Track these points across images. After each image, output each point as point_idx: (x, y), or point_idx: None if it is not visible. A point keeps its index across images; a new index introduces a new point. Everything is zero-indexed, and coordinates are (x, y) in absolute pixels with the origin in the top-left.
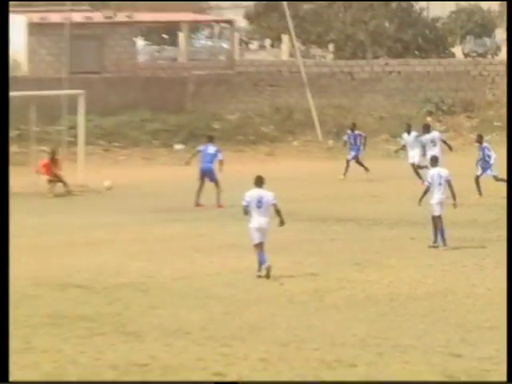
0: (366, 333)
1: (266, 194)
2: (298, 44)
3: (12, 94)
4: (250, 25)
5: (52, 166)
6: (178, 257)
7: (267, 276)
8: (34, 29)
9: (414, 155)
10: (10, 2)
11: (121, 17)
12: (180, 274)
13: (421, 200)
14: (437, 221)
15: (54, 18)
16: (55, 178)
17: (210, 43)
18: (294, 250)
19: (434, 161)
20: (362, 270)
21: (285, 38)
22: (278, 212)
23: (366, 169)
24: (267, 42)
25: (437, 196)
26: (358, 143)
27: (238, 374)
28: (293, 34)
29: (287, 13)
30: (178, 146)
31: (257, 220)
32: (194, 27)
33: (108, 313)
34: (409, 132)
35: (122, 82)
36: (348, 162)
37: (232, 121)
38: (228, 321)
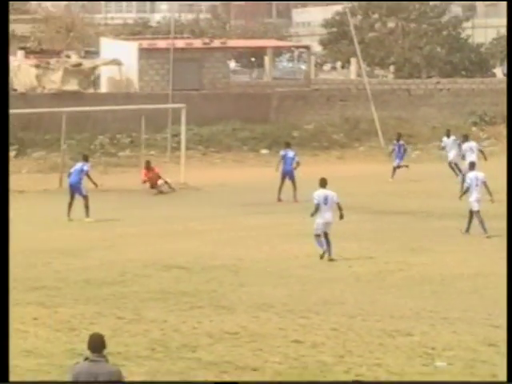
0: (420, 307)
1: (331, 193)
2: (363, 66)
3: (125, 107)
4: (324, 50)
5: (149, 173)
6: (263, 243)
7: (321, 257)
8: (144, 53)
9: (451, 155)
10: (126, 32)
11: (216, 43)
12: (265, 257)
13: (461, 196)
14: (475, 215)
15: (161, 44)
16: (155, 182)
17: (290, 65)
18: (361, 238)
19: (472, 166)
20: (417, 254)
21: (353, 60)
22: (340, 208)
23: (407, 166)
24: (338, 64)
25: (475, 195)
26: (402, 151)
27: (313, 342)
28: (360, 57)
29: (355, 40)
30: (264, 151)
31: (323, 215)
32: (277, 52)
33: (205, 290)
34: (448, 136)
35: (217, 97)
36: (394, 168)
37: (308, 130)
38: (305, 296)
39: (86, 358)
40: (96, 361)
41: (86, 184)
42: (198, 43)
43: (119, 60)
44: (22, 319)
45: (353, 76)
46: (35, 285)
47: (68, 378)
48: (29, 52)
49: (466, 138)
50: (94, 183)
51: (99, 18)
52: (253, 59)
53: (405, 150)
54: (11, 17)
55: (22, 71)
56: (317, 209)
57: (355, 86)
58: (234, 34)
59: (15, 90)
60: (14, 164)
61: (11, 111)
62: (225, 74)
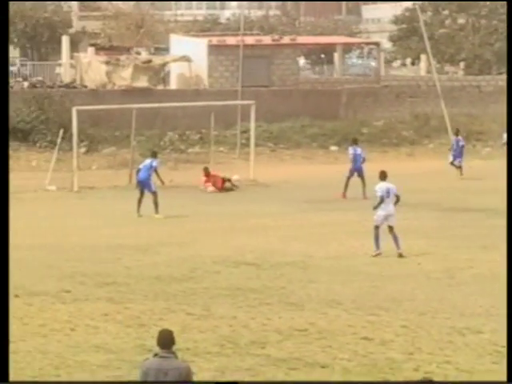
0: (490, 304)
1: (391, 186)
2: (433, 62)
3: (195, 103)
4: (394, 46)
5: (210, 179)
6: (332, 240)
7: (373, 256)
8: (214, 50)
9: None
10: (195, 29)
11: (286, 40)
12: (333, 254)
13: None
14: None
15: (230, 40)
16: (221, 186)
17: (360, 61)
18: (430, 235)
19: None
20: (487, 251)
21: (423, 57)
22: (397, 199)
23: (459, 167)
24: (408, 60)
25: None
26: (460, 147)
27: (382, 339)
28: (429, 53)
29: (425, 36)
30: (333, 148)
31: (386, 208)
32: (347, 48)
33: (274, 286)
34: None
35: (286, 94)
36: (458, 166)
37: (378, 126)
38: (374, 293)
39: (156, 355)
40: (165, 357)
41: (155, 180)
42: (267, 40)
43: (189, 56)
44: (92, 315)
45: (423, 72)
46: (105, 280)
47: (138, 374)
48: (99, 48)
49: None
50: (162, 181)
51: (169, 15)
52: (322, 56)
53: (462, 146)
54: (82, 14)
55: (93, 68)
56: (381, 201)
57: (425, 83)
58: (304, 31)
59: (85, 86)
60: (84, 160)
61: (82, 108)
62: (294, 71)
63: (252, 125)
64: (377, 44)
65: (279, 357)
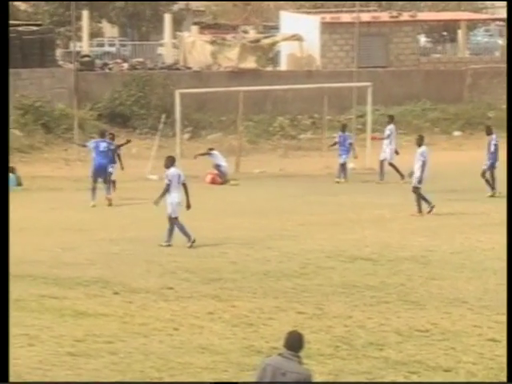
0: None
1: None
2: None
3: (307, 86)
4: None
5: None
6: (456, 233)
7: None
8: (327, 28)
9: None
10: (307, 5)
11: (405, 16)
12: (457, 249)
13: None
14: None
15: (345, 17)
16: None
17: (485, 39)
18: None
19: None
20: None
21: None
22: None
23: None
24: None
25: None
26: (347, 144)
27: None
28: None
29: None
30: (457, 133)
31: None
32: (472, 25)
33: (392, 283)
34: None
35: (405, 75)
36: (341, 165)
37: (505, 110)
38: (502, 291)
39: (280, 354)
40: (289, 358)
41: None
42: (385, 16)
43: (300, 35)
44: (197, 313)
45: None
46: (211, 276)
47: (258, 367)
48: (204, 27)
49: None
50: (122, 166)
51: None
52: (445, 33)
53: (350, 144)
54: None
55: (197, 48)
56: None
57: None
58: (425, 7)
59: (189, 67)
60: (189, 147)
61: (186, 91)
62: (414, 50)
63: (369, 109)
64: (504, 20)
65: (399, 359)
